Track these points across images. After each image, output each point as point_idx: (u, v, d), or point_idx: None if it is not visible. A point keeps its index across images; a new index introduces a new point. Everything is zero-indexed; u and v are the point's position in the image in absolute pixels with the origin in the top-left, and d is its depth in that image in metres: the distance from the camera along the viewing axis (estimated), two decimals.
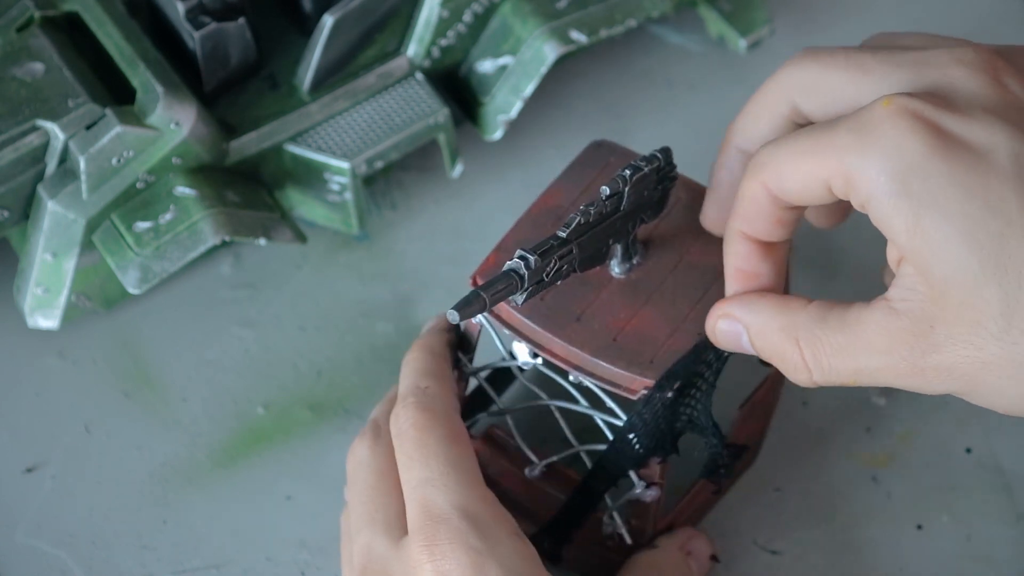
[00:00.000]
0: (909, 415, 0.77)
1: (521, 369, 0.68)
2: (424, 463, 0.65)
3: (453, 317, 0.60)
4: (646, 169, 0.64)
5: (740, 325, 0.64)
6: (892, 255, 0.61)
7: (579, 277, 0.66)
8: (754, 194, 0.63)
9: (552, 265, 0.62)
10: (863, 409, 0.77)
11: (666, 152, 0.65)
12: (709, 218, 0.68)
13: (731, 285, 0.65)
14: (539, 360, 0.67)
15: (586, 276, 0.66)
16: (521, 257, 0.61)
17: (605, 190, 0.63)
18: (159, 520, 0.75)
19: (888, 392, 0.77)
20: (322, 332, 0.79)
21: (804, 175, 0.61)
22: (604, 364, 0.65)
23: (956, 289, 0.57)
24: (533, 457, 0.70)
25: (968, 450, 0.76)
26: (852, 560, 0.74)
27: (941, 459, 0.76)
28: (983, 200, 0.57)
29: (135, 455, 0.76)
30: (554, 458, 0.69)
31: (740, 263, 0.64)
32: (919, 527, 0.75)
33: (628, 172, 0.64)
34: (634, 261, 0.67)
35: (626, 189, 0.64)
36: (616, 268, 0.67)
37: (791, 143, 0.61)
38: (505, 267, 0.61)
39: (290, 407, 0.77)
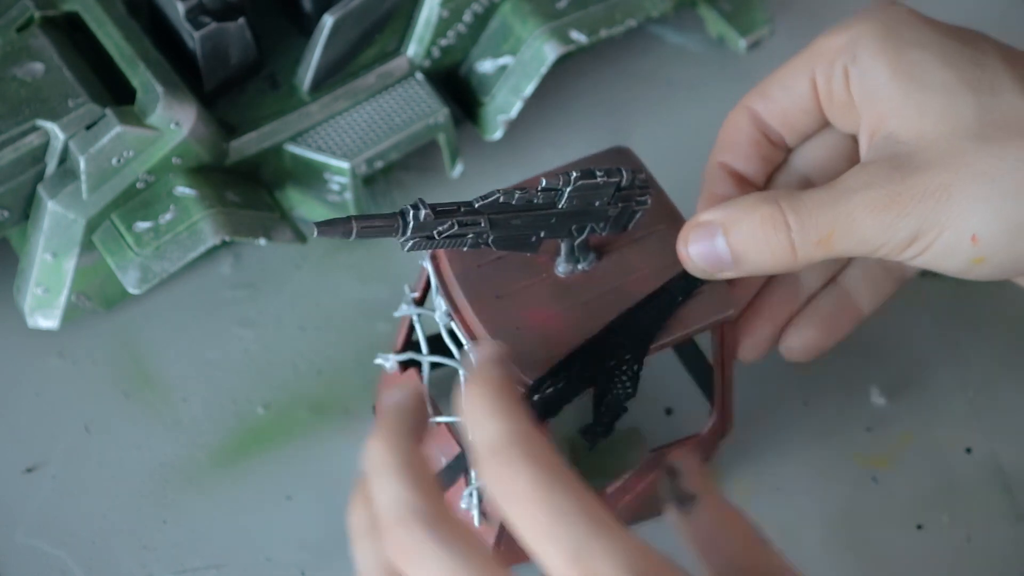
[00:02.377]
0: (909, 415, 0.77)
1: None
2: (568, 528, 0.51)
3: (311, 231, 0.59)
4: (599, 180, 0.64)
5: (715, 227, 0.64)
6: (865, 134, 0.65)
7: (527, 261, 0.66)
8: (736, 120, 0.66)
9: (449, 228, 0.62)
10: (863, 409, 0.77)
11: (636, 176, 0.65)
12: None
13: (702, 209, 0.66)
14: (449, 321, 0.67)
15: (534, 262, 0.67)
16: (415, 206, 0.61)
17: (542, 182, 0.64)
18: (159, 520, 0.75)
19: (888, 392, 0.77)
20: (322, 332, 0.79)
21: (787, 77, 0.66)
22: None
23: (934, 105, 0.62)
24: (431, 409, 0.69)
25: (968, 450, 0.76)
26: (852, 560, 0.74)
27: (941, 459, 0.76)
28: (960, 41, 0.64)
29: (135, 455, 0.76)
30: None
31: (716, 189, 0.67)
32: (919, 527, 0.75)
33: (575, 175, 0.64)
34: (579, 266, 0.67)
35: (566, 189, 0.64)
36: (560, 266, 0.67)
37: (778, 68, 0.67)
38: (399, 208, 0.61)
39: (290, 407, 0.77)
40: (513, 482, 0.52)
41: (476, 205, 0.63)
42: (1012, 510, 0.75)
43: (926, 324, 0.79)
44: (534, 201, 0.64)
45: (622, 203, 0.65)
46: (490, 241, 0.64)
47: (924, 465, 0.76)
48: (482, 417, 0.53)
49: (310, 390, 0.78)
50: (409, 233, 0.61)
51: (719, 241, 0.64)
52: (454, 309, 0.66)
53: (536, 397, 0.64)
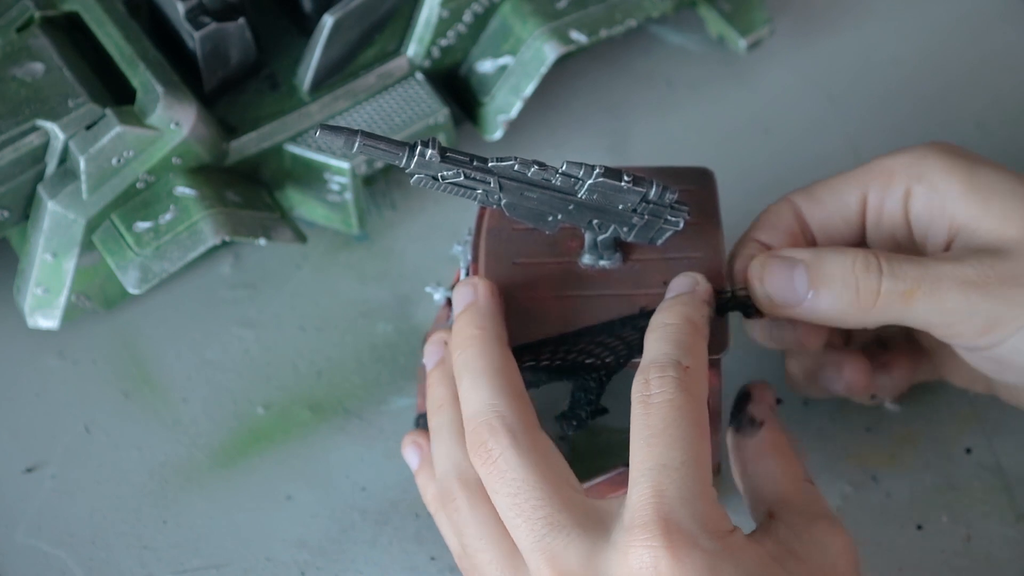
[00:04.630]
0: (909, 415, 0.77)
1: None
2: (669, 446, 0.60)
3: (315, 133, 0.62)
4: (623, 184, 0.64)
5: (797, 262, 0.66)
6: (938, 242, 0.68)
7: (558, 241, 0.67)
8: (779, 210, 0.69)
9: (454, 175, 0.62)
10: (863, 409, 0.77)
11: (667, 193, 0.65)
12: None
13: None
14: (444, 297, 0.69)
15: (564, 245, 0.67)
16: (425, 142, 0.61)
17: (563, 164, 0.64)
18: (159, 520, 0.75)
19: (897, 398, 0.77)
20: (322, 332, 0.79)
21: (840, 187, 0.68)
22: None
23: (1016, 214, 0.66)
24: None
25: (968, 450, 0.76)
26: None
27: (941, 459, 0.76)
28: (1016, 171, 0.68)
29: (135, 455, 0.76)
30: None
31: (747, 264, 0.68)
32: (919, 527, 0.74)
33: (598, 170, 0.64)
34: (601, 262, 0.67)
35: (587, 181, 0.64)
36: (583, 256, 0.67)
37: (830, 177, 0.70)
38: (431, 140, 0.62)
39: (290, 407, 0.77)
40: (658, 393, 0.61)
41: (489, 164, 0.63)
42: (1012, 510, 0.75)
43: None
44: (552, 181, 0.64)
45: (650, 216, 0.65)
46: (502, 204, 0.64)
47: (924, 465, 0.76)
48: (665, 336, 0.63)
49: (310, 390, 0.78)
50: (413, 166, 0.61)
51: (799, 272, 0.65)
52: (473, 258, 0.67)
53: (533, 364, 0.66)
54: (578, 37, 0.80)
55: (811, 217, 0.69)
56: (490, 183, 0.63)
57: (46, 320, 0.77)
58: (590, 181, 0.64)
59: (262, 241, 0.77)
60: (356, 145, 0.61)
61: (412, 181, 0.62)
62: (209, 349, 0.79)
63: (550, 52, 0.79)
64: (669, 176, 0.69)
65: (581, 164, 0.64)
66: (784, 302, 0.66)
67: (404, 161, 0.61)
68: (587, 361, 0.65)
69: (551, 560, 0.60)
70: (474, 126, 0.82)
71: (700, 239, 0.68)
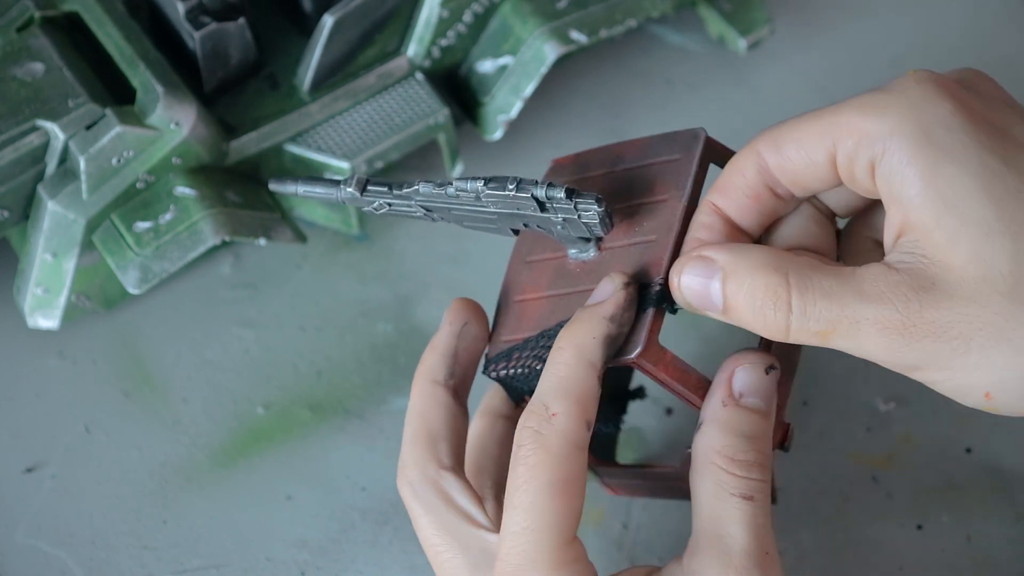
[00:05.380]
0: (909, 415, 0.77)
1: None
2: (515, 508, 0.60)
3: (271, 184, 0.65)
4: (508, 192, 0.61)
5: (715, 267, 0.60)
6: (891, 229, 0.59)
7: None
8: (743, 166, 0.61)
9: (381, 206, 0.64)
10: (863, 409, 0.77)
11: (556, 188, 0.61)
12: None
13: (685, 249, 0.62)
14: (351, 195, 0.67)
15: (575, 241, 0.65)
16: (347, 181, 0.63)
17: (453, 182, 0.63)
18: (159, 520, 0.75)
19: (888, 392, 0.77)
20: (322, 332, 0.79)
21: (807, 140, 0.60)
22: (498, 314, 0.68)
23: (966, 241, 0.57)
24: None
25: (968, 450, 0.76)
26: (852, 560, 0.74)
27: (941, 459, 0.76)
28: (1002, 159, 0.57)
29: (135, 455, 0.76)
30: None
31: (702, 234, 0.62)
32: (919, 527, 0.75)
33: (481, 184, 0.62)
34: (579, 256, 0.65)
35: (479, 193, 0.62)
36: (570, 250, 0.65)
37: (797, 118, 0.60)
38: (354, 176, 0.64)
39: (290, 407, 0.77)
40: (519, 447, 0.60)
41: (394, 191, 0.63)
42: (1012, 510, 0.75)
43: None
44: (458, 197, 0.62)
45: (563, 211, 0.62)
46: (449, 221, 0.65)
47: (924, 465, 0.76)
48: (548, 374, 0.61)
49: (310, 390, 0.78)
50: (345, 201, 0.64)
51: (715, 286, 0.60)
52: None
53: (493, 375, 0.66)
54: (578, 37, 0.80)
55: (781, 173, 0.61)
56: (412, 204, 0.63)
57: (46, 320, 0.77)
58: (477, 193, 0.62)
59: (262, 241, 0.77)
60: (298, 191, 0.64)
61: (366, 211, 0.65)
62: (209, 349, 0.79)
63: (550, 52, 0.79)
64: (661, 143, 0.65)
65: (467, 178, 0.62)
66: (701, 308, 0.61)
67: (337, 197, 0.64)
68: (538, 367, 0.64)
69: (438, 567, 0.64)
70: (474, 126, 0.82)
71: (663, 218, 0.63)
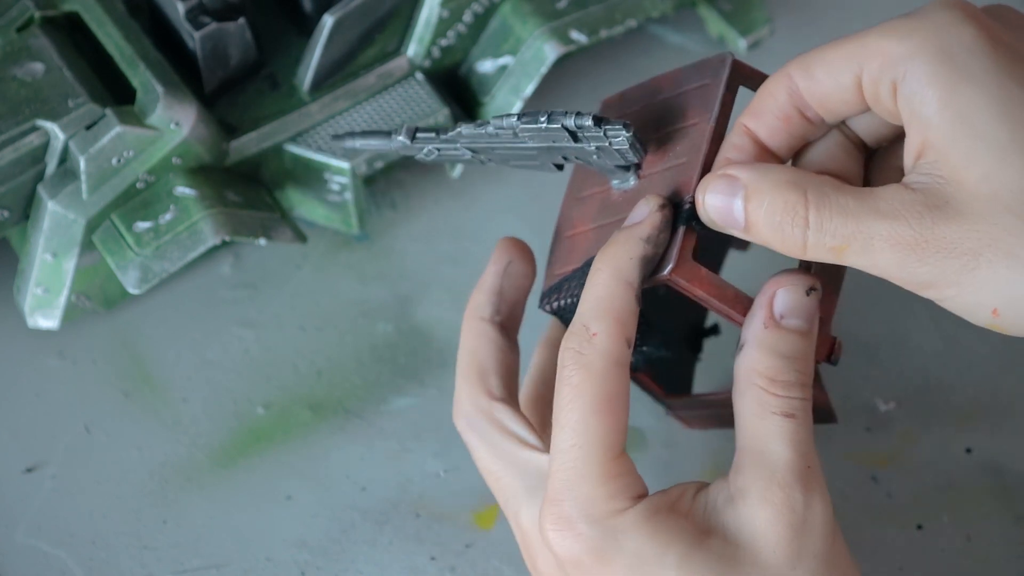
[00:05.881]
0: (909, 415, 0.77)
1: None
2: (562, 427, 0.61)
3: (333, 137, 0.71)
4: (541, 124, 0.63)
5: (738, 185, 0.61)
6: (910, 151, 0.61)
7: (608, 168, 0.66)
8: (773, 87, 0.63)
9: (431, 152, 0.67)
10: (863, 409, 0.77)
11: (585, 116, 0.63)
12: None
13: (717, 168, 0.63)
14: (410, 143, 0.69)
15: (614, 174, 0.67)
16: (398, 131, 0.67)
17: (490, 119, 0.64)
18: (159, 520, 0.75)
19: (888, 392, 0.77)
20: (322, 332, 0.79)
21: (835, 63, 0.62)
22: (552, 250, 0.69)
23: (980, 160, 0.58)
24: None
25: (968, 450, 0.76)
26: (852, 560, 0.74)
27: (941, 459, 0.76)
28: (1022, 84, 0.59)
29: (135, 455, 0.76)
30: None
31: (731, 154, 0.63)
32: (919, 527, 0.75)
33: (514, 118, 0.64)
34: (620, 186, 0.66)
35: (516, 129, 0.64)
36: (613, 182, 0.67)
37: (827, 44, 0.62)
38: (404, 126, 0.67)
39: (290, 407, 0.77)
40: (562, 368, 0.61)
41: (440, 136, 0.65)
42: (1012, 510, 0.75)
43: (926, 324, 0.79)
44: (497, 135, 0.64)
45: (595, 140, 0.64)
46: (488, 161, 0.67)
47: (924, 465, 0.76)
48: (587, 295, 0.62)
49: (310, 390, 0.78)
50: (399, 148, 0.67)
51: (737, 204, 0.61)
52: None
53: (547, 308, 0.67)
54: (578, 37, 0.80)
55: (810, 96, 0.63)
56: (458, 147, 0.66)
57: (46, 320, 0.77)
58: (514, 128, 0.64)
59: (262, 241, 0.77)
60: (358, 144, 0.68)
61: (418, 158, 0.67)
62: (209, 349, 0.79)
63: (550, 52, 0.79)
64: (693, 72, 0.67)
65: (503, 116, 0.64)
66: (725, 226, 0.62)
67: (391, 147, 0.67)
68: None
69: (513, 517, 0.66)
70: None
71: (693, 140, 0.65)
